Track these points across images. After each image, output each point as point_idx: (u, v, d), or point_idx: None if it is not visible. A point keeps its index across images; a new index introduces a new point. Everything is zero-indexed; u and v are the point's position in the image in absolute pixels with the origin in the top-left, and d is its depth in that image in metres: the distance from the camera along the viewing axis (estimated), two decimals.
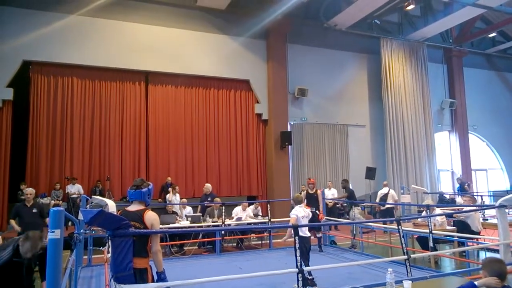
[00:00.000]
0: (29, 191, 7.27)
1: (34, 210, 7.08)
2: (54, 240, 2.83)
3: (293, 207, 6.61)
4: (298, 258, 4.50)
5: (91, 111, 12.40)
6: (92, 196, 9.07)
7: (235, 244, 10.23)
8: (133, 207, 3.69)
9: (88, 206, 7.58)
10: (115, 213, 4.24)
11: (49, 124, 11.88)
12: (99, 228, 6.83)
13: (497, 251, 7.25)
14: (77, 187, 11.53)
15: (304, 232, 6.21)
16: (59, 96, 12.06)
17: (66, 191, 11.33)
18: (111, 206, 5.90)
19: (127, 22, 12.79)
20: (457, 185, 16.92)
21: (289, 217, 6.38)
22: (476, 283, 3.02)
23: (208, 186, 10.94)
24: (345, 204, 12.61)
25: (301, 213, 6.33)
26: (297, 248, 4.48)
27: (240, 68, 14.19)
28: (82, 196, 8.44)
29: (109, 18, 12.57)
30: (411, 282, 3.47)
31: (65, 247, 4.75)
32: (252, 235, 10.55)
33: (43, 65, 11.95)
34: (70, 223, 10.07)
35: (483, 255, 7.92)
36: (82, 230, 5.40)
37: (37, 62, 11.85)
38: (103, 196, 10.78)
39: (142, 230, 3.50)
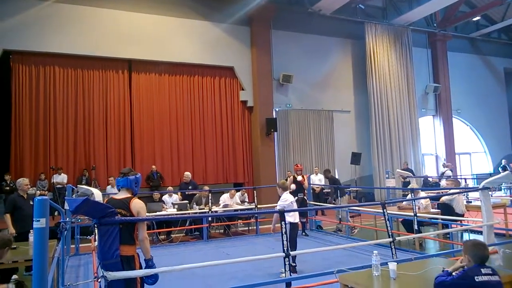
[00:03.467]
0: (26, 181, 6.54)
1: (31, 202, 6.82)
2: (40, 229, 2.83)
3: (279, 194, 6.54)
4: (286, 243, 4.54)
5: (74, 100, 12.17)
6: (78, 185, 8.95)
7: (222, 231, 10.28)
8: (120, 195, 3.68)
9: (74, 195, 7.51)
10: (101, 202, 4.21)
11: (32, 114, 11.64)
12: (85, 217, 6.79)
13: (480, 232, 7.45)
14: (62, 176, 11.39)
15: (295, 218, 6.21)
16: (41, 86, 11.81)
17: (52, 181, 11.20)
18: (97, 195, 5.82)
19: (108, 9, 12.52)
20: (442, 169, 17.22)
21: (277, 204, 6.35)
22: (449, 270, 3.09)
23: (188, 174, 10.92)
24: (329, 190, 12.73)
25: (289, 199, 6.33)
26: (283, 233, 4.51)
27: (224, 55, 14.05)
28: (67, 185, 8.34)
29: (90, 5, 12.27)
30: (396, 263, 3.54)
31: (52, 236, 4.71)
32: (239, 221, 10.61)
33: (24, 54, 11.65)
34: (56, 213, 9.99)
35: (466, 236, 8.11)
36: (68, 219, 5.33)
37: (18, 52, 11.55)
38: (89, 185, 10.67)
39: (128, 217, 3.48)
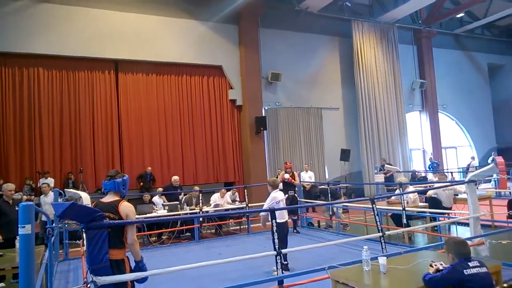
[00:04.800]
0: (10, 187, 6.42)
1: (16, 208, 6.67)
2: (25, 236, 2.77)
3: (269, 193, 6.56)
4: (276, 241, 4.55)
5: (59, 102, 12.01)
6: (65, 189, 8.85)
7: (213, 231, 10.27)
8: (108, 198, 3.64)
9: (62, 199, 7.43)
10: (90, 205, 4.17)
11: (16, 117, 11.44)
12: (73, 222, 6.72)
13: (467, 224, 7.56)
14: (49, 180, 11.21)
15: (283, 216, 6.22)
16: (25, 88, 11.61)
17: (39, 185, 11.02)
18: (85, 198, 5.80)
19: (93, 9, 12.35)
20: (428, 163, 17.48)
21: (265, 203, 6.35)
22: (431, 272, 3.13)
23: (176, 178, 10.82)
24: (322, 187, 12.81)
25: (278, 197, 6.34)
26: (274, 232, 4.52)
27: (212, 54, 14.00)
28: (54, 189, 8.24)
29: (75, 5, 12.08)
30: (386, 258, 3.58)
31: (41, 242, 4.66)
32: (231, 220, 10.61)
33: (7, 56, 11.42)
34: (44, 218, 9.84)
35: (454, 229, 8.23)
36: (54, 224, 5.26)
37: (1, 53, 11.32)
38: (77, 188, 10.56)
39: (116, 221, 3.45)
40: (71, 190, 8.10)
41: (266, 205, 6.08)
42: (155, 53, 13.09)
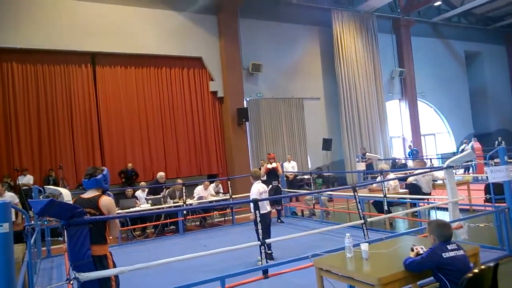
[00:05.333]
0: None
1: None
2: (3, 234, 2.73)
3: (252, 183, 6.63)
4: (260, 231, 4.59)
5: (35, 98, 11.69)
6: (45, 186, 8.67)
7: (198, 223, 10.26)
8: (88, 194, 3.59)
9: (41, 197, 7.29)
10: (70, 202, 4.10)
11: None
12: (52, 219, 6.61)
13: (446, 209, 7.75)
14: (28, 178, 10.99)
15: (265, 207, 6.28)
16: None
17: (17, 183, 10.78)
18: (66, 195, 5.70)
19: (67, 0, 12.02)
20: (408, 151, 17.79)
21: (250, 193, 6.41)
22: (412, 256, 3.20)
23: (162, 174, 10.71)
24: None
25: (260, 189, 6.39)
26: (257, 222, 4.55)
27: (192, 45, 13.83)
28: (34, 186, 8.07)
29: None
30: (367, 244, 3.64)
31: (21, 240, 4.57)
32: (215, 212, 10.62)
33: None
34: (24, 216, 9.65)
35: (433, 214, 8.43)
36: (33, 222, 5.17)
37: None
38: (57, 185, 10.37)
39: (97, 216, 3.41)
40: (51, 187, 7.95)
41: (253, 196, 6.13)
42: (132, 45, 12.85)
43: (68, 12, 11.98)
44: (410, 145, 17.84)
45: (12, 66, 11.47)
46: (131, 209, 8.92)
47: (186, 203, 9.47)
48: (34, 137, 11.60)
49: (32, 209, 3.30)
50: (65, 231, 3.34)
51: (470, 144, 15.89)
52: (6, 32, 11.14)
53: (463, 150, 15.18)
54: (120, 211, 8.45)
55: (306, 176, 13.74)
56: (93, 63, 12.61)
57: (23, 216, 8.18)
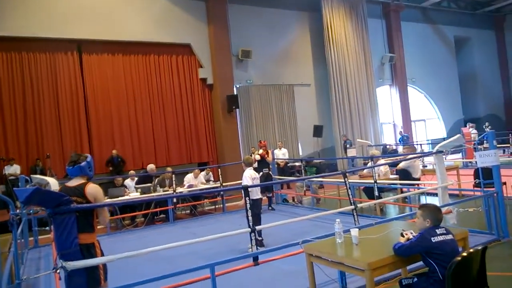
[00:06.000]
0: None
1: None
2: None
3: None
4: (250, 218, 4.56)
5: (21, 86, 11.45)
6: (32, 175, 8.54)
7: (188, 211, 10.22)
8: (73, 182, 3.51)
9: (28, 186, 7.17)
10: (55, 191, 4.02)
11: None
12: (39, 208, 6.53)
13: (435, 194, 7.81)
14: (15, 167, 10.82)
15: (256, 194, 6.30)
16: None
17: (3, 173, 10.62)
18: (53, 184, 5.61)
19: None
20: (399, 137, 17.85)
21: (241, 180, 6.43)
22: (402, 242, 3.20)
23: (153, 166, 10.59)
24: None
25: (253, 174, 6.42)
26: (248, 209, 4.53)
27: (180, 31, 13.61)
28: (20, 176, 7.94)
29: None
30: (357, 229, 3.63)
31: (7, 230, 4.49)
32: (205, 200, 10.58)
33: None
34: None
35: (423, 199, 8.49)
36: (19, 211, 5.09)
37: None
38: (45, 175, 10.20)
39: (84, 205, 3.34)
40: (38, 176, 7.81)
41: (246, 182, 6.14)
42: (120, 32, 12.60)
43: None
44: (401, 131, 17.93)
45: None
46: (120, 198, 8.84)
47: (176, 191, 9.41)
48: (20, 126, 11.39)
49: (18, 198, 3.21)
50: (52, 220, 3.28)
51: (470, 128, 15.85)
52: None
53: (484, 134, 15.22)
54: (108, 200, 8.36)
55: (297, 164, 13.74)
56: (79, 50, 12.37)
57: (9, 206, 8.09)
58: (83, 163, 3.49)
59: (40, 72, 11.73)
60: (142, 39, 13.04)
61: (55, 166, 11.48)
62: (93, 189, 3.44)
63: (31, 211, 6.57)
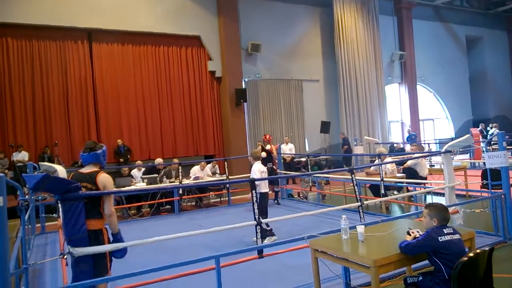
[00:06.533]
0: None
1: None
2: None
3: (251, 164, 6.69)
4: (256, 211, 4.57)
5: (30, 73, 11.52)
6: (40, 163, 8.62)
7: (194, 203, 10.27)
8: (87, 169, 3.56)
9: (36, 173, 7.23)
10: (64, 177, 4.06)
11: None
12: (47, 194, 6.59)
13: (442, 194, 7.76)
14: (23, 154, 10.92)
15: (264, 187, 6.31)
16: None
17: (12, 159, 10.73)
18: (61, 171, 5.66)
19: None
20: (406, 135, 17.75)
21: (250, 173, 6.47)
22: (408, 240, 3.18)
23: (160, 161, 10.60)
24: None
25: (261, 168, 6.44)
26: (254, 202, 4.53)
27: (190, 23, 13.59)
28: (28, 163, 8.02)
29: None
30: (363, 226, 3.62)
31: (15, 216, 4.54)
32: (211, 193, 10.62)
33: None
34: (19, 192, 9.63)
35: (429, 199, 8.45)
36: (27, 197, 5.14)
37: None
38: (52, 162, 10.29)
39: (93, 191, 3.37)
40: (46, 163, 7.88)
41: (254, 176, 6.17)
42: (130, 22, 12.60)
43: None
44: (409, 130, 17.80)
45: (7, 41, 11.27)
46: (126, 188, 8.89)
47: (182, 182, 9.45)
48: (29, 113, 11.48)
49: (27, 184, 3.25)
50: (60, 206, 3.31)
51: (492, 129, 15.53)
52: (1, 7, 10.88)
53: (492, 134, 15.09)
54: (115, 189, 8.41)
55: (303, 159, 13.71)
56: (89, 40, 12.39)
57: (18, 192, 8.18)
58: (99, 151, 3.55)
59: (50, 60, 11.78)
60: (152, 30, 13.03)
61: (62, 154, 11.59)
62: (104, 178, 3.48)
63: (39, 198, 6.62)
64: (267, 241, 5.66)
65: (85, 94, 12.22)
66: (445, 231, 3.08)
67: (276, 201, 9.51)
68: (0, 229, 2.73)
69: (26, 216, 5.10)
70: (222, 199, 10.66)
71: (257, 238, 4.61)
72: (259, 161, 6.60)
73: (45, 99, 11.69)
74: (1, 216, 2.74)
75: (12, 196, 8.63)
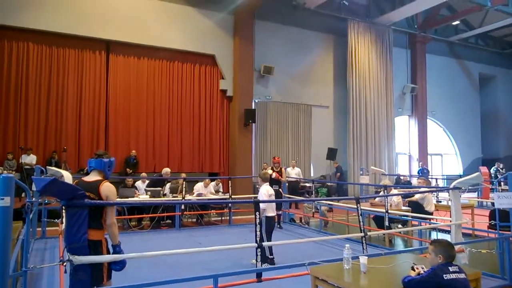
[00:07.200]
0: None
1: None
2: (3, 208, 2.74)
3: (256, 185, 6.61)
4: (258, 233, 4.51)
5: (47, 79, 11.75)
6: (47, 167, 8.66)
7: (194, 220, 10.20)
8: (90, 177, 3.55)
9: (43, 177, 7.26)
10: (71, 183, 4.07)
11: (2, 90, 11.19)
12: (53, 199, 6.59)
13: (447, 231, 7.64)
14: (31, 157, 11.01)
15: (272, 211, 6.19)
16: (14, 62, 11.36)
17: (20, 162, 10.80)
18: (67, 177, 5.67)
19: None
20: (418, 169, 17.49)
21: (257, 194, 6.36)
22: (412, 275, 3.12)
23: (167, 170, 10.63)
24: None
25: (269, 191, 6.32)
26: (257, 224, 4.48)
27: (206, 42, 13.83)
28: (36, 166, 8.06)
29: None
30: (366, 257, 3.57)
31: (18, 218, 4.54)
32: (213, 211, 10.54)
33: None
34: (23, 194, 9.66)
35: (434, 235, 8.31)
36: (34, 199, 5.15)
37: None
38: (59, 167, 10.34)
39: (96, 201, 3.37)
40: (53, 168, 7.92)
41: (262, 198, 6.06)
42: (148, 37, 12.87)
43: None
44: (422, 163, 17.58)
45: (28, 46, 11.56)
46: (129, 199, 8.88)
47: (185, 198, 9.41)
48: (42, 118, 11.63)
49: (35, 186, 3.27)
50: (64, 212, 3.31)
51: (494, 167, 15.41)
52: (26, 13, 11.24)
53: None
54: (118, 199, 8.41)
55: (307, 184, 13.63)
56: (107, 51, 12.65)
57: (25, 194, 8.20)
58: (105, 159, 3.55)
59: (67, 68, 12.03)
60: (169, 46, 13.28)
61: (70, 160, 11.67)
62: (107, 188, 3.46)
63: (46, 201, 6.61)
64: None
65: (97, 103, 12.38)
66: (451, 269, 3.02)
67: (278, 225, 9.40)
68: (4, 230, 2.72)
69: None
70: (223, 218, 10.58)
71: (256, 260, 4.54)
72: (267, 183, 6.47)
73: (59, 105, 11.86)
74: (6, 217, 2.74)
75: (17, 198, 8.65)
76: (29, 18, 11.26)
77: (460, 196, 5.76)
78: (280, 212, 9.53)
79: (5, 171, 10.48)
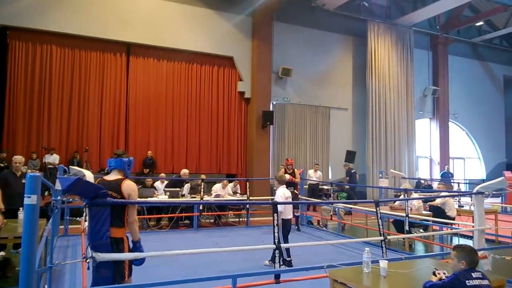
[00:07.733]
0: (18, 159, 6.48)
1: (23, 181, 6.60)
2: (30, 206, 2.80)
3: (273, 187, 6.61)
4: (276, 235, 4.51)
5: (70, 81, 12.03)
6: (70, 166, 8.86)
7: (212, 221, 10.25)
8: (111, 176, 3.63)
9: (66, 176, 7.43)
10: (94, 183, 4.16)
11: (26, 92, 11.50)
12: (76, 197, 6.73)
13: (469, 237, 7.48)
14: (54, 157, 11.28)
15: (289, 213, 6.18)
16: (37, 64, 11.68)
17: (43, 161, 11.09)
18: (89, 176, 5.78)
19: None
20: (441, 172, 17.16)
21: (272, 196, 6.38)
22: (434, 281, 3.06)
23: (186, 171, 10.72)
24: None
25: (286, 193, 6.31)
26: (275, 225, 4.48)
27: (225, 44, 13.91)
28: (59, 166, 8.26)
29: None
30: (386, 261, 3.52)
31: (41, 216, 4.65)
32: (230, 212, 10.59)
33: (21, 31, 11.47)
34: (46, 193, 9.93)
35: (456, 240, 8.15)
36: (59, 198, 5.28)
37: (15, 28, 11.37)
38: (81, 167, 10.55)
39: (119, 200, 3.44)
40: (75, 167, 8.10)
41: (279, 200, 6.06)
42: (168, 39, 13.03)
43: (110, 2, 12.32)
44: (447, 167, 17.19)
45: (51, 48, 11.86)
46: (149, 199, 9.00)
47: (203, 199, 9.48)
48: (64, 118, 11.92)
49: (60, 185, 3.36)
50: (88, 210, 3.39)
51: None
52: (50, 16, 11.53)
53: None
54: (139, 199, 8.52)
55: (325, 187, 13.55)
56: (127, 53, 12.87)
57: (50, 192, 8.39)
58: (125, 159, 3.63)
59: (89, 70, 12.29)
60: (189, 48, 13.41)
61: (91, 160, 11.92)
62: (129, 186, 3.54)
63: (70, 200, 6.74)
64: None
65: (118, 104, 12.61)
66: (474, 275, 2.95)
67: (297, 227, 9.37)
68: (31, 227, 2.79)
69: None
70: (240, 219, 10.61)
71: (274, 262, 4.54)
72: (284, 186, 6.47)
73: (81, 106, 12.13)
74: (33, 214, 2.81)
75: (40, 196, 8.85)
76: (52, 21, 11.55)
77: (483, 201, 5.63)
78: (298, 214, 9.48)
79: (29, 170, 10.75)
